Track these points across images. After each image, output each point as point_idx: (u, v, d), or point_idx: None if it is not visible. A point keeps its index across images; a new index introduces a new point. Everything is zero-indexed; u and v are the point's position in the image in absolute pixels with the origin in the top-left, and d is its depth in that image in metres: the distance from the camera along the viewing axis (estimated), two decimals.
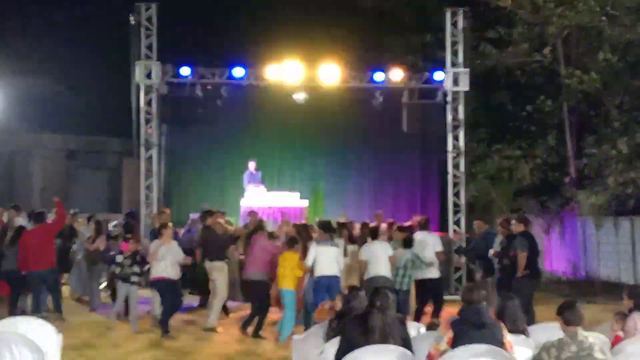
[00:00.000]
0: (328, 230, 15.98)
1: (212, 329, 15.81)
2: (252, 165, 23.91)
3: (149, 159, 23.65)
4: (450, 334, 7.99)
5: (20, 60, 31.09)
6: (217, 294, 16.31)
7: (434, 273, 16.60)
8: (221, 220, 17.20)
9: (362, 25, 28.89)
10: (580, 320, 7.56)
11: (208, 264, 16.34)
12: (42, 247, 16.09)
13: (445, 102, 24.79)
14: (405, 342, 8.39)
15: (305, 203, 23.73)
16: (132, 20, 24.43)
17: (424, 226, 17.74)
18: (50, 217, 17.79)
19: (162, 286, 15.59)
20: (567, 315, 7.54)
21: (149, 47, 23.44)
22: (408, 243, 16.38)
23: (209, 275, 16.61)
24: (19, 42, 31.86)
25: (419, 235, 17.16)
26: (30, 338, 8.77)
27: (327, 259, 15.06)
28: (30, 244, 16.03)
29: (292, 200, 23.52)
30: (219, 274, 16.29)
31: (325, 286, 14.60)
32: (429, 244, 16.89)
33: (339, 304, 10.23)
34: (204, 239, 16.65)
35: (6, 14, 32.91)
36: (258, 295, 15.85)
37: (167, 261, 15.34)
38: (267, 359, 13.91)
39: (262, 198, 23.22)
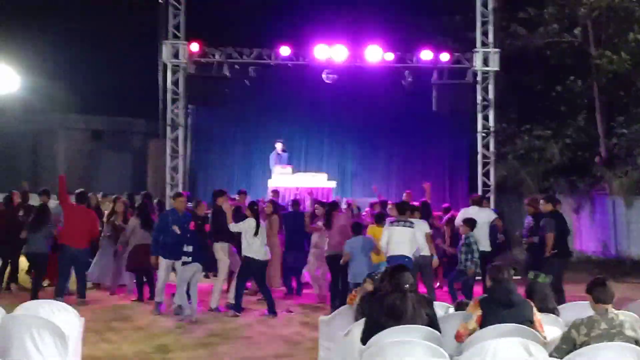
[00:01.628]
0: (403, 211, 15.93)
1: (216, 309, 15.91)
2: (279, 146, 23.71)
3: (175, 140, 23.93)
4: (479, 313, 8.18)
5: (45, 38, 31.21)
6: (220, 275, 16.64)
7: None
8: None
9: (394, 7, 28.92)
10: (611, 298, 7.60)
11: (215, 245, 16.53)
12: (82, 226, 16.32)
13: (475, 82, 25.24)
14: (432, 322, 8.45)
15: (332, 184, 23.70)
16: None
17: (477, 203, 18.23)
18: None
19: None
20: (597, 293, 7.58)
21: (177, 27, 23.84)
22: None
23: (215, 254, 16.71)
24: (44, 20, 31.70)
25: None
26: (52, 321, 8.91)
27: (399, 239, 15.20)
28: (72, 221, 16.29)
29: (319, 181, 23.49)
30: (222, 254, 16.52)
31: None
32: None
33: (369, 286, 10.11)
34: (214, 219, 16.68)
35: None
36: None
37: None
38: (296, 341, 13.60)
39: (289, 179, 23.30)
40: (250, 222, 15.70)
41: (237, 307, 15.69)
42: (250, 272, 15.97)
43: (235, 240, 16.54)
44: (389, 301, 8.47)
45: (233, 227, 15.83)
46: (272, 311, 15.60)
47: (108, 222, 18.36)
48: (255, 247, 15.71)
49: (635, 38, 24.63)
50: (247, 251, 15.74)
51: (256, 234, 15.55)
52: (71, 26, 32.12)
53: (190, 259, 15.46)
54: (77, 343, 9.93)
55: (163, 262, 15.72)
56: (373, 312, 8.57)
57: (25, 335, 8.56)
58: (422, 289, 13.88)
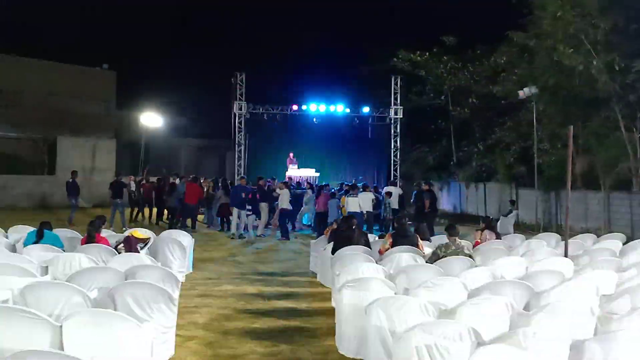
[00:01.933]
0: (354, 188, 16.25)
1: (261, 235, 16.30)
2: (291, 154, 24.17)
3: (240, 151, 24.46)
4: (390, 240, 8.26)
5: (173, 95, 30.91)
6: (262, 218, 16.78)
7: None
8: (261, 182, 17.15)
9: (350, 82, 28.92)
10: (457, 233, 7.62)
11: (260, 204, 16.55)
12: (194, 193, 17.00)
13: (391, 123, 25.59)
14: (367, 244, 8.58)
15: (317, 174, 23.76)
16: (232, 80, 24.98)
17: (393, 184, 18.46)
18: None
19: None
20: (450, 230, 7.54)
21: (241, 94, 24.29)
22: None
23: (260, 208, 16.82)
24: (174, 83, 31.50)
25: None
26: (178, 240, 9.24)
27: (352, 203, 15.48)
28: (189, 191, 16.89)
29: (310, 172, 23.48)
30: (264, 208, 16.63)
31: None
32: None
33: (335, 225, 10.30)
34: (258, 190, 16.73)
35: (163, 72, 33.19)
36: None
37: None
38: (299, 251, 14.07)
39: (295, 171, 23.58)
40: (285, 191, 16.36)
41: (286, 235, 15.90)
42: (284, 216, 16.26)
43: (268, 201, 16.80)
44: (344, 233, 8.64)
45: (278, 191, 16.50)
46: (286, 237, 15.81)
47: (207, 193, 18.58)
48: (286, 203, 16.17)
49: (473, 101, 24.87)
50: (282, 205, 16.19)
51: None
52: (185, 90, 31.83)
53: (249, 211, 16.42)
54: (190, 251, 10.23)
55: (235, 211, 15.99)
56: (337, 239, 8.71)
57: (165, 247, 8.80)
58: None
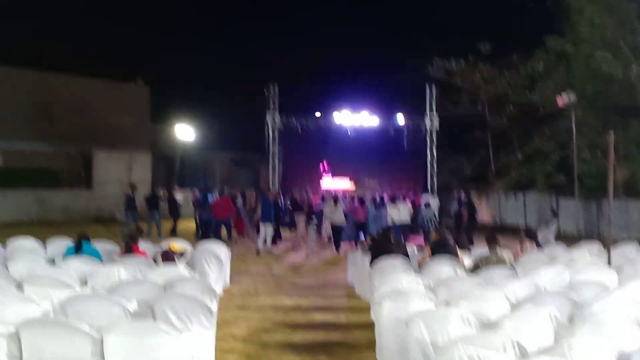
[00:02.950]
0: (394, 199, 16.38)
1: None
2: (325, 163, 24.34)
3: (273, 164, 24.72)
4: (429, 251, 8.23)
5: (207, 110, 31.00)
6: (299, 230, 17.01)
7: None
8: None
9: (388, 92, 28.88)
10: (497, 244, 7.58)
11: (297, 215, 16.86)
12: (225, 207, 16.71)
13: (426, 132, 25.52)
14: (405, 255, 8.51)
15: (352, 185, 24.16)
16: (265, 92, 25.20)
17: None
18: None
19: None
20: (490, 241, 7.53)
21: (274, 105, 24.52)
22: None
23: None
24: (203, 98, 31.96)
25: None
26: (215, 252, 9.36)
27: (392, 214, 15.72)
28: (219, 206, 16.68)
29: (346, 184, 23.88)
30: (301, 220, 16.88)
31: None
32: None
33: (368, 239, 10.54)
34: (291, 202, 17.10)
35: (196, 85, 33.44)
36: None
37: None
38: (333, 262, 14.14)
39: (330, 182, 23.75)
40: (331, 203, 16.21)
41: (337, 248, 15.75)
42: (337, 230, 16.01)
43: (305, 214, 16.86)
44: (382, 245, 8.59)
45: (325, 205, 16.49)
46: (338, 249, 15.72)
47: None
48: (338, 217, 15.95)
49: (510, 110, 24.56)
50: (334, 219, 15.93)
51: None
52: (221, 103, 32.16)
53: (282, 224, 16.56)
54: (227, 263, 10.36)
55: (263, 225, 15.44)
56: (375, 250, 8.65)
57: (203, 260, 8.79)
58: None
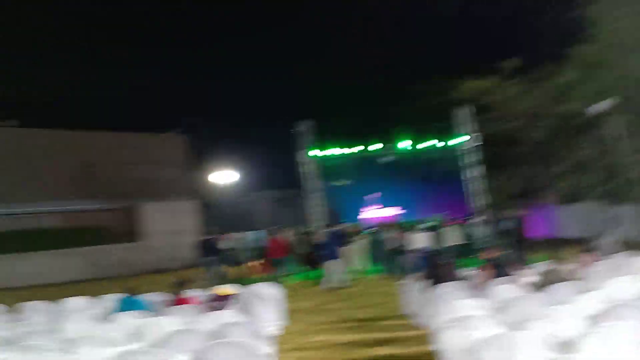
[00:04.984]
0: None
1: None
2: (374, 195, 24.02)
3: (316, 198, 24.44)
4: (486, 272, 8.05)
5: (242, 151, 31.48)
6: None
7: None
8: None
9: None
10: (557, 258, 7.52)
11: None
12: (280, 247, 16.88)
13: (464, 153, 25.00)
14: (461, 279, 8.34)
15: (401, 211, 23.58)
16: (300, 127, 25.14)
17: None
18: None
19: None
20: (550, 256, 7.47)
21: (307, 141, 24.37)
22: None
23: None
24: (240, 140, 32.36)
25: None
26: (268, 292, 9.39)
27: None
28: (273, 245, 16.85)
29: (395, 211, 23.43)
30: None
31: None
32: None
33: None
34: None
35: (232, 129, 33.62)
36: None
37: None
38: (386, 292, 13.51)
39: (375, 212, 23.36)
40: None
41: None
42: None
43: None
44: (436, 271, 8.45)
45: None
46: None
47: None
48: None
49: (546, 122, 23.93)
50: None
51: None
52: (258, 143, 32.40)
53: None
54: (281, 303, 10.14)
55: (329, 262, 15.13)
56: (429, 277, 8.46)
57: (255, 301, 8.47)
58: None
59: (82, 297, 10.03)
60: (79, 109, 29.23)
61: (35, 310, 9.33)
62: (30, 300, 10.14)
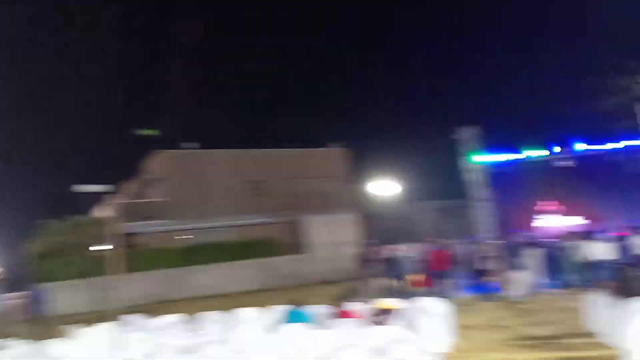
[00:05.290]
0: None
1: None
2: (553, 203, 22.69)
3: (486, 208, 23.36)
4: None
5: (403, 160, 31.11)
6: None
7: None
8: None
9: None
10: None
11: None
12: (443, 259, 15.99)
13: None
14: None
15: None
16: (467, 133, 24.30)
17: None
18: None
19: None
20: None
21: (471, 148, 23.40)
22: None
23: None
24: (401, 150, 32.15)
25: None
26: (433, 307, 9.05)
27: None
28: (436, 258, 15.99)
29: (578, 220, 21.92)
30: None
31: None
32: None
33: None
34: None
35: (391, 140, 33.36)
36: None
37: None
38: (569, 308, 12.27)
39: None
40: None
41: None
42: None
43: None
44: (629, 284, 7.99)
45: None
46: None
47: None
48: None
49: None
50: None
51: None
52: (420, 153, 32.12)
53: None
54: (448, 319, 9.62)
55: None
56: (620, 290, 7.90)
57: (419, 316, 8.23)
58: None
59: (252, 307, 10.38)
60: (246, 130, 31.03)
61: (211, 321, 9.80)
62: (208, 309, 10.73)
